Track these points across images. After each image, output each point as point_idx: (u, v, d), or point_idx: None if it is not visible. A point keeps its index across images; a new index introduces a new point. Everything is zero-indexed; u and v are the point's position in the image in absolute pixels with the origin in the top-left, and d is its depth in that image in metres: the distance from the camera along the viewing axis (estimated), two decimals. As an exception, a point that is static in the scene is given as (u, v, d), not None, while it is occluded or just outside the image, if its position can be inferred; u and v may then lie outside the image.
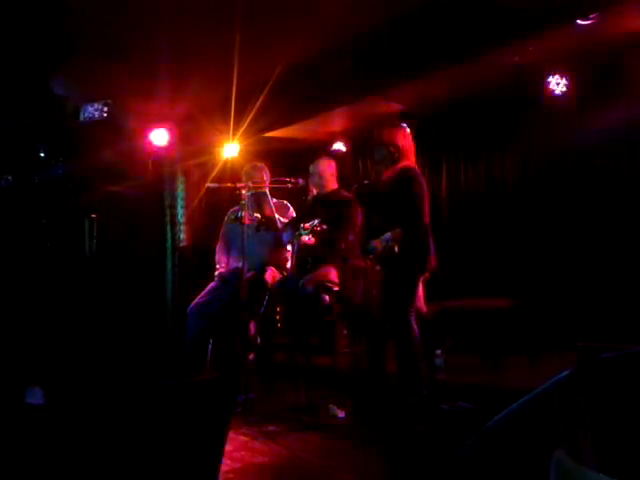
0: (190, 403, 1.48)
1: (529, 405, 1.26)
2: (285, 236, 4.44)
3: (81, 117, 2.47)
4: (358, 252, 4.27)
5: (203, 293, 4.55)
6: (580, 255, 5.12)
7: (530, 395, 1.27)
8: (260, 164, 4.72)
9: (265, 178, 4.55)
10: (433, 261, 3.74)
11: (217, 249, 4.80)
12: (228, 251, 4.74)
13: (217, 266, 4.71)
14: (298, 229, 4.20)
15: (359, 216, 4.24)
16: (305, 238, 4.04)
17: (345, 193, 4.40)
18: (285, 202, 4.71)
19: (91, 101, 2.37)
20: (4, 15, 3.63)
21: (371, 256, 3.78)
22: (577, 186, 5.27)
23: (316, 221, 3.86)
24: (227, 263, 4.69)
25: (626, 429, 0.95)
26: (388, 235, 3.66)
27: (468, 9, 3.88)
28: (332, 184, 4.44)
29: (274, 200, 4.57)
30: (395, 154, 3.82)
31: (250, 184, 4.21)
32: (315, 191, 4.45)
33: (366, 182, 4.23)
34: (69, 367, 2.13)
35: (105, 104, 2.49)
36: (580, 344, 4.08)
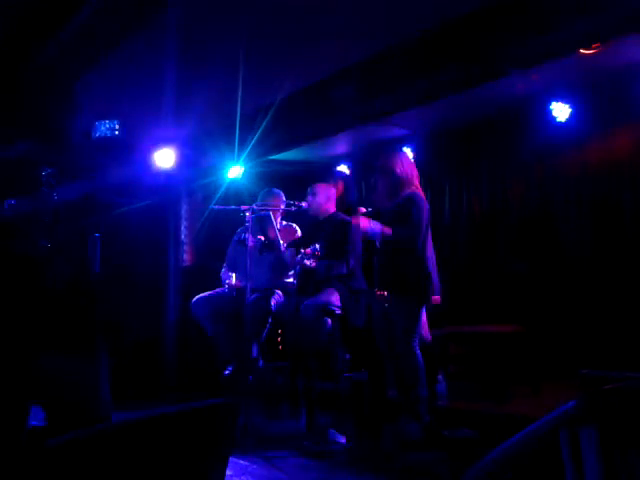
0: (191, 428, 1.47)
1: (533, 436, 1.25)
2: (288, 257, 4.43)
3: (93, 135, 2.49)
4: (360, 275, 4.27)
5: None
6: (584, 281, 5.10)
7: (534, 425, 1.26)
8: (277, 190, 4.76)
9: (280, 204, 4.59)
10: (437, 289, 3.73)
11: (223, 272, 4.80)
12: (233, 272, 4.73)
13: (226, 281, 4.69)
14: (300, 254, 4.21)
15: (359, 239, 4.25)
16: (307, 262, 4.05)
17: (343, 216, 4.42)
18: (293, 225, 4.72)
19: (102, 119, 2.40)
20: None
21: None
22: (579, 212, 5.28)
23: (317, 246, 3.86)
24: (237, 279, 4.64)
25: (634, 461, 0.94)
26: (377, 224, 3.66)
27: (472, 37, 3.92)
28: (330, 209, 4.46)
29: (284, 223, 4.59)
30: (397, 181, 3.83)
31: (254, 207, 4.23)
32: (314, 216, 4.48)
33: (370, 209, 4.25)
34: (71, 387, 2.12)
35: (116, 122, 2.52)
36: (583, 372, 4.07)
